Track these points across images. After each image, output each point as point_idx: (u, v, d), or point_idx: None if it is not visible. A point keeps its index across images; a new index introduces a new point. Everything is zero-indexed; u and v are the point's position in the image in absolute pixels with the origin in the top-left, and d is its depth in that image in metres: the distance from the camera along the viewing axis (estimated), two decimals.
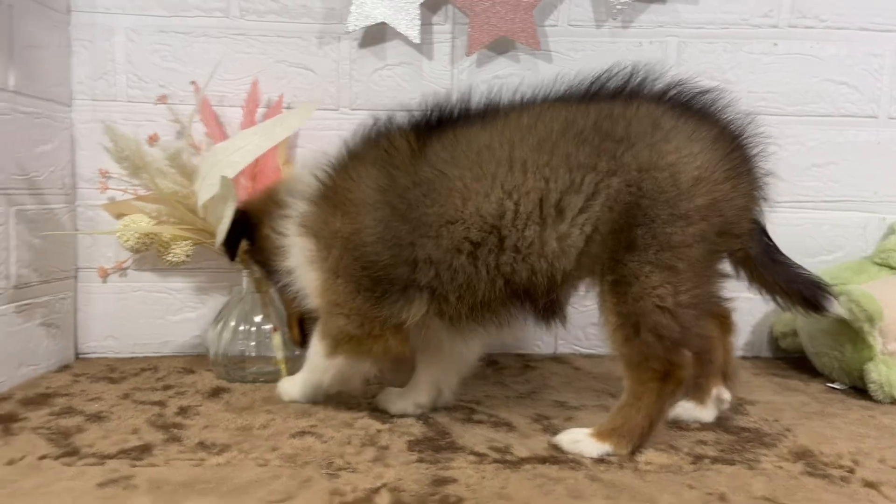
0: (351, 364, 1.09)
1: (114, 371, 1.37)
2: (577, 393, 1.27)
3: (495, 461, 0.95)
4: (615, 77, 1.04)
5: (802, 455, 0.99)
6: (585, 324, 1.54)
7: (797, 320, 1.42)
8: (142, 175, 1.26)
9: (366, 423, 1.09)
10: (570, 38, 1.48)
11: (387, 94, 1.48)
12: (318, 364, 1.12)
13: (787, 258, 1.11)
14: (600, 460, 0.96)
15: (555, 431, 1.06)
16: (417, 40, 1.43)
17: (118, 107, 1.45)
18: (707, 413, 1.13)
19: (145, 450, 0.96)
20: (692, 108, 1.00)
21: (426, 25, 1.46)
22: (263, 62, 1.47)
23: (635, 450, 0.98)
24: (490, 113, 1.04)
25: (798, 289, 1.09)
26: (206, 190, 1.20)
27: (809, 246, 1.53)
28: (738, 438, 1.05)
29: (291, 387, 1.19)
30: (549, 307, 1.04)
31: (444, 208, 1.00)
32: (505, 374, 1.40)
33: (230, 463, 0.92)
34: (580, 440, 0.99)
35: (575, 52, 1.49)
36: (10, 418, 1.08)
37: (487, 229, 0.99)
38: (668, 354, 0.97)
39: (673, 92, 1.02)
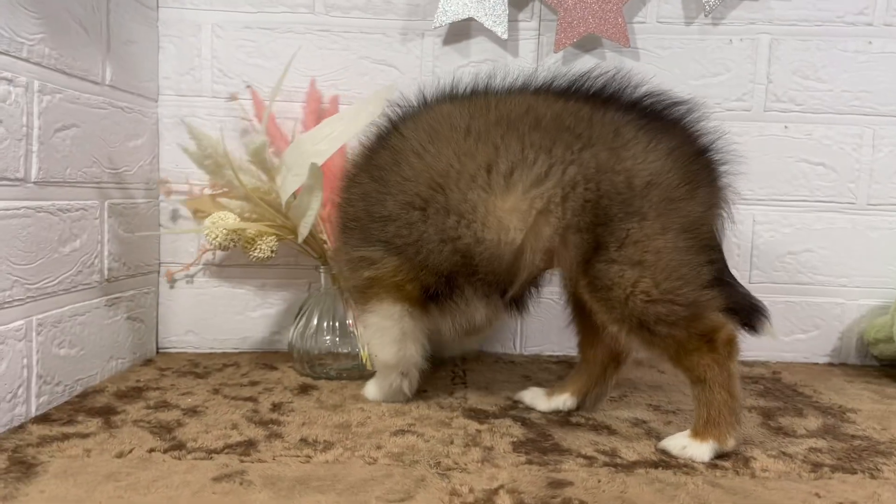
0: (388, 311, 1.11)
1: (197, 366, 1.37)
2: (668, 397, 1.24)
3: (606, 464, 0.92)
4: (593, 80, 1.07)
5: None
6: None
7: (894, 326, 1.37)
8: (224, 172, 1.26)
9: (462, 423, 1.07)
10: (658, 36, 1.46)
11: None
12: (368, 328, 1.14)
13: (734, 278, 1.13)
14: (713, 465, 0.93)
15: (657, 435, 1.04)
16: (505, 37, 1.41)
17: (203, 102, 1.46)
18: (544, 404, 1.16)
19: (250, 445, 0.96)
20: (656, 121, 1.03)
21: (512, 22, 1.44)
22: (347, 58, 1.47)
23: (736, 427, 0.97)
24: (460, 93, 1.11)
25: (732, 310, 1.07)
26: (291, 182, 1.20)
27: None
28: (851, 447, 1.02)
29: (371, 387, 1.20)
30: (511, 292, 1.06)
31: (402, 167, 1.07)
32: None
33: (338, 461, 0.91)
34: (687, 445, 0.98)
35: (662, 50, 1.46)
36: (109, 411, 1.09)
37: (434, 186, 1.04)
38: (692, 330, 0.98)
39: (642, 103, 1.05)
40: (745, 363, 1.48)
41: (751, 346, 1.51)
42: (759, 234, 1.49)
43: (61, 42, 1.09)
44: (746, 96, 1.46)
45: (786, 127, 1.47)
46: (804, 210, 1.48)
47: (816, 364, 1.50)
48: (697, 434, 0.98)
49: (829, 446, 1.02)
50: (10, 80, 0.97)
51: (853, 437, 1.06)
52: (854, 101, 1.45)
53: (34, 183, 1.04)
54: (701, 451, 0.96)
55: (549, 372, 1.38)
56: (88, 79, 1.17)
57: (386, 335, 1.13)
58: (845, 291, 1.50)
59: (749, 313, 1.10)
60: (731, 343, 1.00)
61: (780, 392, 1.29)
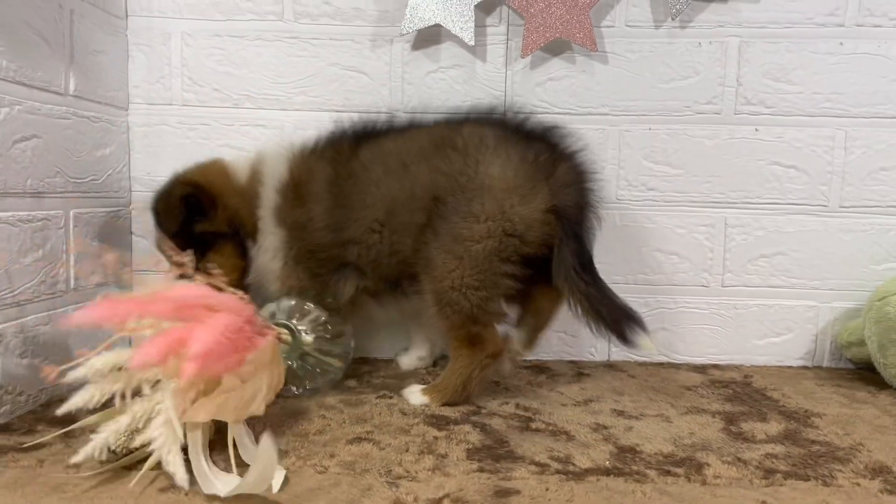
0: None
1: None
2: (634, 402, 1.24)
3: (557, 472, 0.92)
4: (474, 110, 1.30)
5: (880, 471, 0.94)
6: None
7: (866, 329, 1.37)
8: None
9: (422, 430, 1.07)
10: (627, 39, 1.45)
11: (440, 96, 1.47)
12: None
13: (605, 285, 1.23)
14: (666, 472, 0.93)
15: (616, 441, 1.03)
16: (472, 42, 1.41)
17: (173, 110, 1.46)
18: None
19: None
20: (515, 133, 1.22)
21: (480, 27, 1.44)
22: (316, 65, 1.47)
23: (445, 405, 1.19)
24: (396, 128, 1.29)
25: (604, 319, 1.19)
26: None
27: (876, 253, 1.47)
28: (808, 452, 1.01)
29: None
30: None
31: (364, 195, 1.22)
32: (559, 381, 1.37)
33: (289, 469, 0.91)
34: (414, 392, 1.23)
35: (631, 54, 1.45)
36: (70, 421, 1.09)
37: (388, 210, 1.21)
38: (467, 326, 1.18)
39: (511, 120, 1.26)
40: (717, 367, 1.48)
41: (725, 350, 1.50)
42: (731, 237, 1.48)
43: (20, 54, 1.10)
44: (716, 99, 1.46)
45: (756, 129, 1.46)
46: (776, 213, 1.48)
47: (790, 367, 1.49)
48: (425, 390, 1.22)
49: (787, 452, 1.01)
50: None
51: (813, 442, 1.05)
52: (825, 102, 1.45)
53: None
54: (416, 398, 1.21)
55: (518, 378, 1.38)
56: (50, 90, 1.18)
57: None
58: (818, 294, 1.49)
59: (620, 324, 1.19)
60: (492, 357, 1.20)
61: (748, 396, 1.28)
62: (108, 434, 0.88)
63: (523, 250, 1.17)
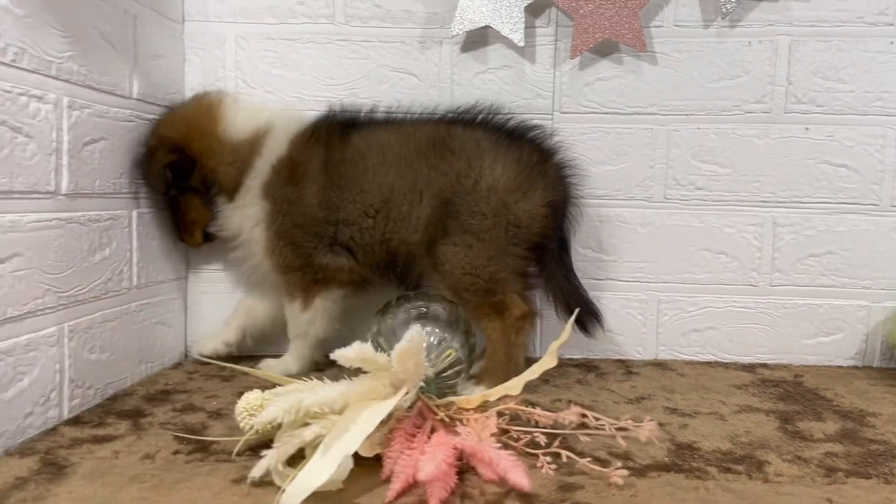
0: (328, 305, 1.36)
1: (223, 370, 1.41)
2: (686, 400, 1.25)
3: (618, 468, 0.93)
4: (470, 109, 1.35)
5: None
6: (687, 330, 1.51)
7: None
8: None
9: None
10: (675, 39, 1.46)
11: (488, 97, 1.48)
12: (303, 322, 1.36)
13: (576, 281, 1.37)
14: (727, 469, 0.94)
15: (672, 438, 1.04)
16: (521, 43, 1.43)
17: None
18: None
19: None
20: (506, 136, 1.31)
21: (529, 28, 1.45)
22: (366, 67, 1.49)
23: (504, 382, 1.10)
24: (391, 120, 1.38)
25: (571, 309, 1.28)
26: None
27: None
28: (868, 451, 1.01)
29: (281, 363, 1.38)
30: (404, 274, 1.35)
31: (360, 181, 1.30)
32: (609, 379, 1.38)
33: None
34: (471, 389, 1.21)
35: (680, 53, 1.46)
36: (137, 413, 1.13)
37: (384, 199, 1.29)
38: (488, 299, 1.25)
39: (497, 121, 1.34)
40: (766, 366, 1.48)
41: (773, 349, 1.50)
42: (780, 237, 1.48)
43: (89, 58, 1.14)
44: (766, 98, 1.46)
45: (807, 129, 1.46)
46: (826, 212, 1.47)
47: (840, 367, 1.49)
48: (477, 380, 1.25)
49: (846, 451, 1.01)
50: (39, 98, 1.01)
51: (871, 441, 1.05)
52: (876, 101, 1.44)
53: (64, 195, 1.08)
54: (476, 391, 1.18)
55: (567, 376, 1.39)
56: (116, 93, 1.22)
57: (326, 315, 1.36)
58: (869, 294, 1.48)
59: (583, 318, 1.33)
60: (522, 319, 1.26)
61: (801, 396, 1.28)
62: (279, 453, 0.88)
63: (531, 239, 1.28)
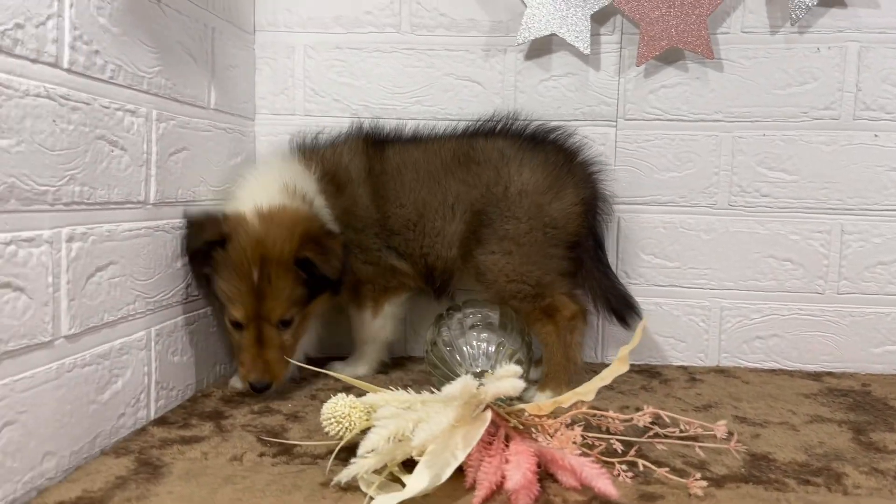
0: (395, 310, 1.41)
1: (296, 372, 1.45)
2: (754, 409, 1.25)
3: (696, 478, 0.94)
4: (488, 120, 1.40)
5: None
6: (750, 337, 1.51)
7: None
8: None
9: None
10: (742, 46, 1.45)
11: (551, 104, 1.50)
12: (374, 328, 1.40)
13: (613, 276, 1.41)
14: (805, 481, 0.94)
15: (747, 448, 1.05)
16: (587, 51, 1.44)
17: (295, 120, 1.54)
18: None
19: (349, 451, 1.01)
20: (528, 141, 1.35)
21: (594, 36, 1.46)
22: (431, 75, 1.52)
23: (568, 384, 1.21)
24: (418, 137, 1.41)
25: (610, 303, 1.38)
26: None
27: None
28: None
29: (349, 367, 1.41)
30: (442, 287, 1.39)
31: (399, 195, 1.34)
32: (674, 385, 1.39)
33: None
34: (535, 396, 1.25)
35: (747, 60, 1.46)
36: (218, 415, 1.17)
37: (419, 215, 1.33)
38: (538, 304, 1.27)
39: (517, 128, 1.37)
40: (832, 374, 1.47)
41: (839, 358, 1.49)
42: (847, 244, 1.47)
43: (174, 72, 1.18)
44: (835, 105, 1.44)
45: (876, 136, 1.44)
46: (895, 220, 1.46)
47: None
48: (540, 386, 1.27)
49: None
50: (133, 112, 1.06)
51: None
52: None
53: (152, 204, 1.12)
54: (541, 398, 1.20)
55: (631, 382, 1.40)
56: (196, 104, 1.26)
57: (394, 320, 1.42)
58: None
59: (621, 309, 1.38)
60: (573, 319, 1.28)
61: (871, 405, 1.27)
62: (368, 464, 0.90)
63: (568, 239, 1.31)
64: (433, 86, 1.52)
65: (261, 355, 1.21)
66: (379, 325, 1.40)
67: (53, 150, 0.89)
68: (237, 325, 1.23)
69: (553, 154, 1.33)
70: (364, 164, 1.35)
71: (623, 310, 1.38)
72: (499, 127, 1.37)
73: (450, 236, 1.32)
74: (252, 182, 1.30)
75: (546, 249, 1.29)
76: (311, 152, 1.37)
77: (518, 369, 0.96)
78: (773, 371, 1.50)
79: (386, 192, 1.34)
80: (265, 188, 1.27)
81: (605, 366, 1.05)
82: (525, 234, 1.28)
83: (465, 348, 1.26)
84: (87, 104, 0.95)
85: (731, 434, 1.04)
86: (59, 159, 0.90)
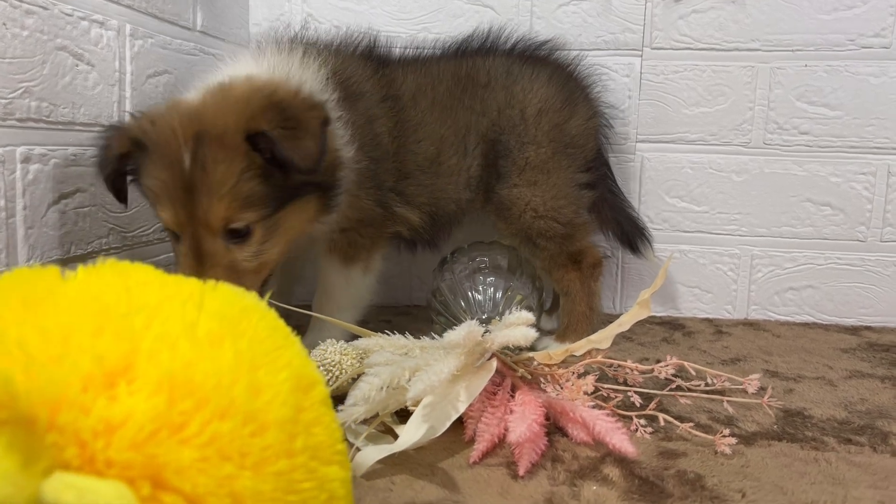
0: (380, 266, 1.15)
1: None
2: (787, 363, 1.14)
3: (724, 435, 0.84)
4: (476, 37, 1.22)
5: None
6: (782, 288, 1.39)
7: None
8: None
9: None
10: None
11: (571, 32, 1.37)
12: (361, 288, 1.12)
13: (625, 199, 1.33)
14: (847, 440, 0.84)
15: (781, 404, 0.94)
16: None
17: None
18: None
19: None
20: (531, 56, 1.21)
21: None
22: (439, 2, 1.39)
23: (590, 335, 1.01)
24: (419, 59, 1.20)
25: (622, 228, 1.30)
26: None
27: None
28: None
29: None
30: (436, 238, 1.21)
31: (417, 127, 1.12)
32: (698, 338, 1.28)
33: None
34: (549, 344, 1.17)
35: None
36: None
37: (437, 150, 1.13)
38: (566, 248, 1.17)
39: (508, 44, 1.21)
40: (871, 329, 1.35)
41: (880, 311, 1.37)
42: (893, 187, 1.34)
43: None
44: (885, 31, 1.30)
45: None
46: None
47: None
48: (559, 336, 1.19)
49: None
50: (101, 23, 0.95)
51: None
52: None
53: None
54: (559, 348, 1.01)
55: (651, 334, 1.30)
56: (179, 24, 1.15)
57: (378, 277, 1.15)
58: None
59: (633, 235, 1.30)
60: (596, 266, 1.20)
61: None
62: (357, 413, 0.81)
63: (588, 157, 1.21)
64: (442, 11, 1.40)
65: (200, 276, 0.64)
66: (369, 283, 1.13)
67: (3, 58, 0.78)
68: (174, 236, 0.90)
69: (555, 68, 1.21)
70: (376, 84, 1.10)
71: (634, 235, 1.31)
72: (489, 44, 1.21)
73: (464, 175, 1.16)
74: (224, 71, 0.99)
75: (571, 176, 1.18)
76: (314, 48, 1.07)
77: (531, 316, 0.85)
78: (806, 324, 1.38)
79: (404, 123, 1.11)
80: (256, 66, 0.99)
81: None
82: (549, 159, 1.16)
83: (470, 294, 1.16)
84: (45, 9, 0.85)
85: (762, 389, 0.94)
86: (11, 68, 0.80)
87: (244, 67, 0.98)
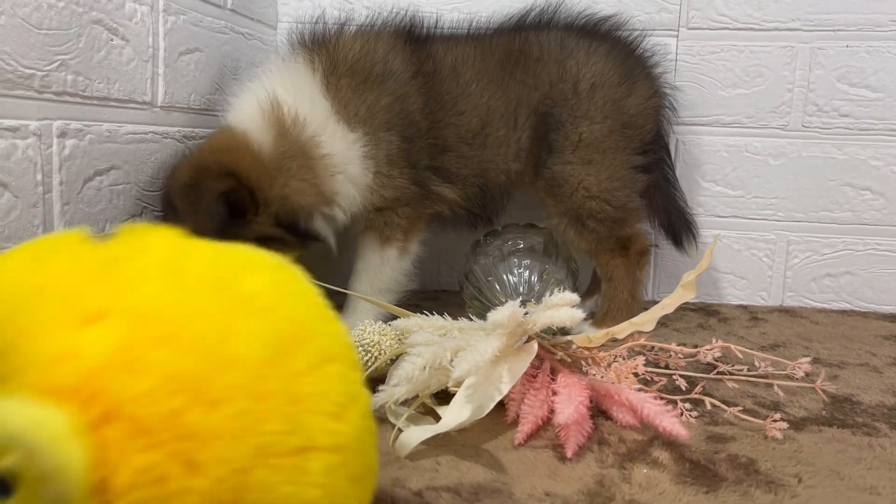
0: (417, 249, 1.14)
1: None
2: (828, 349, 1.12)
3: (773, 420, 0.82)
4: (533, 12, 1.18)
5: None
6: (819, 275, 1.36)
7: None
8: None
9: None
10: None
11: (606, 11, 1.33)
12: (398, 271, 1.12)
13: (679, 189, 1.27)
14: None
15: (834, 388, 0.92)
16: None
17: None
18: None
19: None
20: (590, 31, 1.17)
21: None
22: None
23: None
24: (465, 33, 1.19)
25: (669, 218, 1.25)
26: None
27: None
28: None
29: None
30: (490, 213, 1.19)
31: (458, 99, 1.11)
32: (734, 324, 1.26)
33: None
34: (585, 329, 1.11)
35: None
36: None
37: (483, 121, 1.11)
38: (615, 232, 1.14)
39: (576, 20, 1.18)
40: None
41: None
42: None
43: None
44: None
45: None
46: None
47: None
48: (596, 322, 1.15)
49: None
50: None
51: None
52: None
53: (160, 107, 1.01)
54: (595, 332, 0.93)
55: (686, 320, 1.28)
56: (210, 1, 1.13)
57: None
58: None
59: (679, 228, 1.26)
60: (644, 254, 1.17)
61: None
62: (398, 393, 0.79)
63: (645, 139, 1.17)
64: None
65: None
66: (404, 266, 1.12)
67: (40, 29, 0.77)
68: None
69: (615, 43, 1.17)
70: (407, 60, 1.10)
71: (681, 228, 1.26)
72: (545, 18, 1.18)
73: (513, 146, 1.13)
74: (240, 98, 1.06)
75: (627, 158, 1.14)
76: (318, 44, 1.10)
77: (575, 297, 0.83)
78: (844, 312, 1.35)
79: (441, 97, 1.11)
80: (244, 106, 1.04)
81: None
82: (605, 137, 1.12)
83: (505, 276, 1.14)
84: None
85: (807, 374, 0.92)
86: (47, 40, 0.78)
87: (252, 91, 1.05)
